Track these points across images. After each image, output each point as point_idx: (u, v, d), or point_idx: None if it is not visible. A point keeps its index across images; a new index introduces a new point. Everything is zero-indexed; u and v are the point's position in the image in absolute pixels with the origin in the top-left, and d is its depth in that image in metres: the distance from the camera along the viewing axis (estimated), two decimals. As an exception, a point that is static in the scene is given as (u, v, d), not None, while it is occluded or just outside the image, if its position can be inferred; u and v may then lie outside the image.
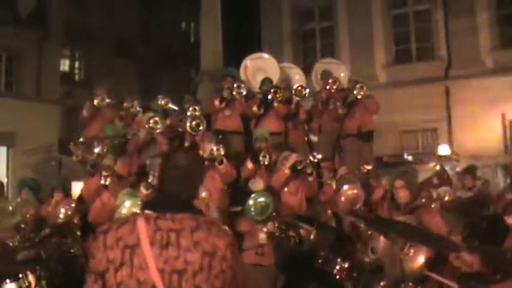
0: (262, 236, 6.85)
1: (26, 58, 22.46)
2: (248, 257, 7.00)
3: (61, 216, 7.66)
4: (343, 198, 7.24)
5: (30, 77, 22.57)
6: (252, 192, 7.31)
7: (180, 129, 9.65)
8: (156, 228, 2.82)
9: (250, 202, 7.02)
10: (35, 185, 8.99)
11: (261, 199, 7.01)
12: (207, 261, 2.80)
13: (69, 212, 7.72)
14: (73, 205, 8.04)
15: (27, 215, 7.75)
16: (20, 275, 5.60)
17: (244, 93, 10.16)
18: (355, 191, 7.22)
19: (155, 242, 2.80)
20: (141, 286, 2.76)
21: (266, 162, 8.47)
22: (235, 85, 10.08)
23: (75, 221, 7.57)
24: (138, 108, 10.60)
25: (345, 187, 7.32)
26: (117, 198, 8.11)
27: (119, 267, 2.79)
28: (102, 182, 8.40)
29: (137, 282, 2.76)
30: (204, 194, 7.12)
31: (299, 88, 10.30)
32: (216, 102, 10.03)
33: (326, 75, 11.04)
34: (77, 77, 27.31)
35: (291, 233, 6.75)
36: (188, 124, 9.11)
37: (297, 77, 12.00)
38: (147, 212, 2.92)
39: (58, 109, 22.76)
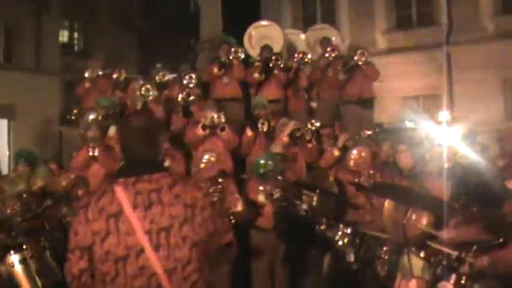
0: (260, 196, 6.88)
1: (24, 29, 22.30)
2: (259, 220, 7.09)
3: (61, 187, 7.69)
4: (352, 159, 7.22)
5: (29, 49, 22.46)
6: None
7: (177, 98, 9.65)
8: (135, 192, 2.88)
9: (261, 160, 7.09)
10: (31, 157, 8.94)
11: (270, 161, 7.03)
12: (190, 212, 2.89)
13: (68, 183, 7.75)
14: (72, 177, 8.05)
15: (34, 187, 7.75)
16: (24, 246, 5.62)
17: (242, 57, 10.10)
18: (363, 154, 7.19)
19: (138, 206, 2.86)
20: (130, 251, 2.82)
21: (265, 129, 8.46)
22: (232, 49, 10.01)
23: (79, 192, 7.57)
24: (126, 75, 10.52)
25: (354, 151, 7.29)
26: (107, 168, 8.13)
27: (105, 237, 2.84)
28: (91, 153, 8.36)
29: (125, 248, 2.82)
30: (212, 158, 7.15)
31: (301, 55, 10.25)
32: (215, 70, 10.01)
33: (325, 42, 10.98)
34: (76, 48, 27.14)
35: (294, 200, 6.77)
36: (180, 95, 9.11)
37: (301, 43, 11.93)
38: (122, 179, 2.95)
39: (58, 80, 22.71)
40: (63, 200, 7.07)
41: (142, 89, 9.34)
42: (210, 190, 6.50)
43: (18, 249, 5.54)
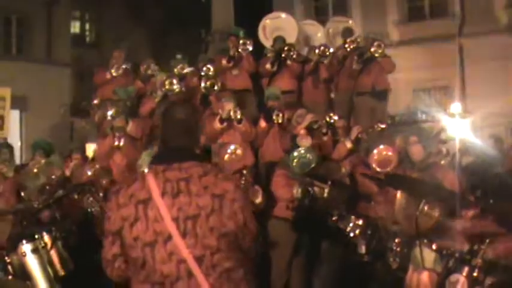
0: (297, 191, 6.82)
1: (36, 21, 22.33)
2: (278, 210, 7.08)
3: (86, 177, 7.75)
4: (375, 158, 6.88)
5: (40, 40, 22.49)
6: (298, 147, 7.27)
7: (196, 89, 9.66)
8: (165, 179, 2.90)
9: (296, 153, 7.00)
10: (48, 147, 9.02)
11: (308, 155, 6.98)
12: (217, 203, 2.89)
13: (94, 173, 7.81)
14: (97, 166, 8.11)
15: (53, 177, 7.81)
16: (36, 236, 5.65)
17: (250, 49, 10.08)
18: (389, 153, 6.89)
19: (166, 193, 2.88)
20: (158, 237, 2.84)
21: (280, 121, 8.43)
22: (240, 42, 10.00)
23: (104, 182, 7.62)
24: (154, 70, 10.55)
25: (381, 146, 6.95)
26: (129, 158, 8.19)
27: (133, 223, 2.86)
28: (116, 143, 8.43)
29: (153, 234, 2.84)
30: (238, 151, 7.13)
31: (322, 48, 10.18)
32: (224, 62, 9.98)
33: (348, 32, 10.79)
34: (87, 39, 27.21)
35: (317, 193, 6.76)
36: (203, 84, 9.13)
37: (319, 34, 11.87)
38: (154, 166, 2.99)
39: (69, 72, 22.77)
40: (76, 190, 7.10)
41: (167, 82, 9.38)
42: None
43: (30, 239, 5.56)
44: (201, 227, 2.84)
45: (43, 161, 8.48)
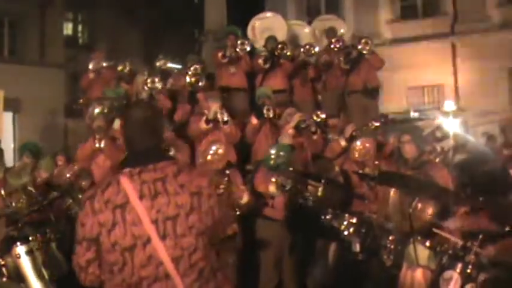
0: (272, 188, 6.84)
1: (28, 23, 22.28)
2: (265, 210, 7.03)
3: (65, 179, 7.69)
4: (357, 150, 7.24)
5: (33, 42, 22.45)
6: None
7: (183, 88, 9.63)
8: (141, 182, 2.90)
9: (272, 151, 7.01)
10: (35, 149, 8.92)
11: (282, 153, 7.00)
12: (196, 200, 2.92)
13: (72, 175, 7.75)
14: (75, 168, 8.05)
15: (39, 179, 7.76)
16: (31, 238, 5.62)
17: (248, 49, 10.09)
18: (367, 145, 7.21)
19: (144, 195, 2.87)
20: (137, 241, 2.83)
21: (271, 115, 8.44)
22: (238, 42, 10.01)
23: (83, 184, 7.57)
24: (131, 67, 10.52)
25: (358, 142, 7.31)
26: (112, 160, 8.12)
27: (111, 228, 2.85)
28: (97, 145, 8.35)
29: (132, 238, 2.83)
30: (220, 150, 7.12)
31: (307, 47, 10.22)
32: (219, 55, 9.96)
33: (331, 32, 10.94)
34: (80, 41, 27.14)
35: (302, 190, 6.77)
36: (188, 80, 9.09)
37: (306, 33, 11.90)
38: (128, 169, 2.97)
39: (62, 73, 22.71)
40: (69, 191, 7.08)
41: (149, 81, 9.32)
42: (219, 182, 6.48)
43: (24, 240, 5.53)
44: (180, 226, 2.85)
45: (28, 161, 8.42)
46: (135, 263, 2.82)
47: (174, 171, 2.95)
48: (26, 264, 5.45)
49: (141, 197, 2.86)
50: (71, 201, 7.03)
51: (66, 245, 6.12)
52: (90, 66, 10.59)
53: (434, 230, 4.33)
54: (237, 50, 9.90)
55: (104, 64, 10.65)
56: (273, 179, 6.81)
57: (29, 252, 5.48)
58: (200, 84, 9.03)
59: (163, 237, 2.82)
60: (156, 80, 9.35)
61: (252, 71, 10.29)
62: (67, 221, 6.56)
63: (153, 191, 2.87)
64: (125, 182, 2.90)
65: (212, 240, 3.00)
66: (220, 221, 3.06)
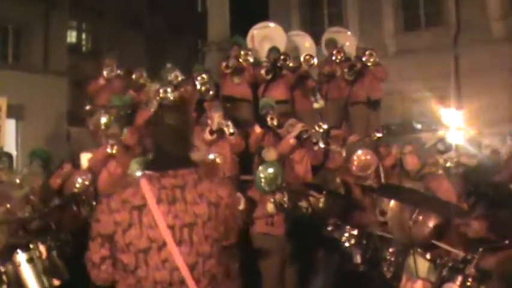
0: (270, 206, 6.85)
1: (32, 30, 22.33)
2: (258, 227, 7.04)
3: (77, 186, 7.68)
4: (355, 163, 7.22)
5: (37, 49, 22.48)
6: (265, 162, 7.25)
7: (190, 98, 9.66)
8: (160, 187, 2.92)
9: (261, 174, 6.94)
10: (45, 156, 8.99)
11: (271, 170, 6.93)
12: (213, 211, 2.94)
13: (86, 182, 7.74)
14: (89, 175, 8.05)
15: (35, 186, 7.77)
16: (31, 246, 5.63)
17: (252, 60, 10.10)
18: (368, 157, 7.18)
19: (162, 200, 2.89)
20: (152, 244, 2.85)
21: (275, 123, 8.46)
22: (242, 52, 10.03)
23: (92, 190, 7.59)
24: (146, 79, 10.55)
25: (359, 152, 7.27)
26: (124, 167, 8.15)
27: (127, 228, 2.86)
28: (109, 150, 8.39)
29: (148, 241, 2.85)
30: (218, 159, 7.13)
31: (307, 57, 10.25)
32: (223, 64, 9.99)
33: (331, 43, 10.97)
34: (84, 49, 27.24)
35: (301, 203, 6.77)
36: (198, 87, 9.13)
37: (307, 45, 11.90)
38: (148, 172, 3.00)
39: (66, 81, 22.72)
40: (71, 199, 7.08)
41: (161, 91, 9.33)
42: None
43: (25, 248, 5.54)
44: (197, 234, 2.87)
45: (25, 171, 8.44)
46: (149, 265, 2.84)
47: (195, 179, 2.98)
48: (26, 272, 5.47)
49: (159, 201, 2.88)
50: (88, 208, 7.03)
51: (67, 254, 6.15)
52: (104, 73, 10.57)
53: (434, 242, 4.34)
54: (240, 60, 9.93)
55: (118, 72, 10.66)
56: (271, 200, 6.81)
57: (30, 260, 5.51)
58: (211, 93, 9.09)
59: (179, 243, 2.85)
60: (169, 90, 9.38)
61: (255, 82, 10.32)
62: (71, 228, 6.56)
63: (170, 197, 2.90)
64: (145, 184, 2.92)
65: (224, 247, 3.04)
66: (232, 229, 3.10)
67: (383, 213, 6.86)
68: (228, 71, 9.93)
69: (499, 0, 18.67)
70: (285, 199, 6.67)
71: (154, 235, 2.84)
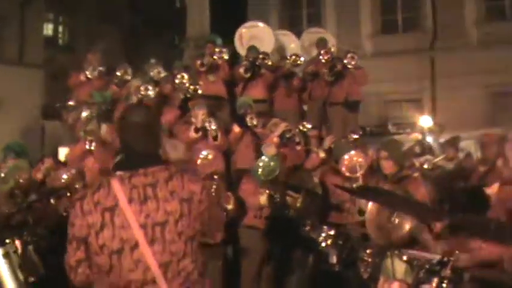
0: (263, 198, 6.89)
1: (8, 22, 22.04)
2: (246, 219, 7.09)
3: (62, 181, 7.64)
4: (345, 163, 7.14)
5: (13, 41, 22.19)
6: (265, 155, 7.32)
7: (169, 95, 9.64)
8: (131, 186, 2.91)
9: (260, 164, 7.05)
10: (20, 149, 8.90)
11: (271, 162, 7.04)
12: (186, 207, 2.92)
13: (69, 178, 7.71)
14: (73, 171, 8.01)
15: (21, 180, 7.71)
16: (7, 240, 5.59)
17: (226, 57, 10.10)
18: (360, 159, 7.12)
19: (133, 199, 2.89)
20: (124, 244, 2.84)
21: (255, 123, 8.49)
22: (216, 49, 10.02)
23: (77, 185, 7.54)
24: (130, 75, 10.48)
25: (352, 152, 7.21)
26: (102, 163, 8.13)
27: (99, 230, 2.86)
28: (87, 147, 8.36)
29: (120, 241, 2.84)
30: (210, 156, 7.16)
31: (294, 57, 10.27)
32: (197, 63, 9.98)
33: (322, 43, 10.86)
34: (60, 42, 26.99)
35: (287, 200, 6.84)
36: (186, 87, 9.14)
37: (292, 45, 11.95)
38: (119, 172, 2.99)
39: (41, 73, 22.45)
40: (52, 194, 7.05)
41: (142, 88, 9.30)
42: (209, 184, 6.50)
43: (1, 243, 5.50)
44: (169, 232, 2.87)
45: (11, 164, 8.37)
46: (123, 266, 2.83)
47: (166, 176, 2.96)
48: (2, 267, 5.43)
49: (130, 201, 2.87)
50: (67, 203, 6.99)
51: (43, 248, 6.13)
52: (87, 73, 10.46)
53: (408, 252, 4.38)
54: (215, 57, 9.92)
55: (100, 69, 10.57)
56: (267, 191, 6.85)
57: (5, 255, 5.47)
58: (200, 92, 9.09)
59: (151, 242, 2.84)
60: (150, 87, 9.34)
61: (232, 80, 10.31)
62: (48, 223, 6.53)
63: (142, 196, 2.89)
64: (116, 185, 2.91)
65: (201, 244, 3.02)
66: (209, 225, 3.07)
67: (361, 212, 6.97)
68: (203, 69, 9.92)
69: (475, 6, 18.92)
70: (277, 195, 6.73)
71: (126, 235, 2.84)
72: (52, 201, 7.00)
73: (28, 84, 21.04)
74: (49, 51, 23.70)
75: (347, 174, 6.98)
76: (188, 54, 12.75)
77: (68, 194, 7.07)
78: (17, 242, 5.70)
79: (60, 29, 27.14)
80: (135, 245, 2.84)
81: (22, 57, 22.30)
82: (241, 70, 9.92)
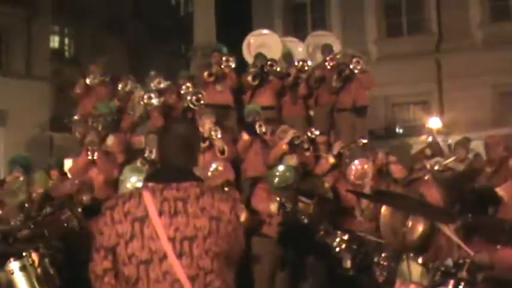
0: (274, 206, 6.92)
1: (15, 35, 22.23)
2: (260, 227, 7.15)
3: (66, 191, 7.68)
4: (353, 172, 7.29)
5: (19, 54, 22.38)
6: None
7: (174, 105, 9.68)
8: (162, 199, 2.90)
9: (277, 172, 7.12)
10: (25, 162, 8.92)
11: (288, 173, 7.11)
12: (214, 225, 2.90)
13: (74, 188, 7.75)
14: (76, 182, 8.04)
15: (34, 194, 7.75)
16: (24, 254, 5.63)
17: (233, 66, 10.15)
18: (365, 166, 7.27)
19: (163, 212, 2.87)
20: (153, 255, 2.83)
21: (264, 130, 8.52)
22: (223, 58, 10.06)
23: (83, 197, 7.57)
24: (132, 86, 10.56)
25: (356, 162, 7.35)
26: (106, 174, 8.17)
27: (129, 240, 2.85)
28: (90, 158, 8.38)
29: (149, 252, 2.84)
30: (220, 168, 7.19)
31: (301, 63, 10.28)
32: (205, 75, 10.02)
33: (327, 49, 10.86)
34: (66, 54, 27.12)
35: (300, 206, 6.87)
36: (189, 98, 9.16)
37: (299, 50, 11.97)
38: (151, 184, 2.98)
39: (48, 86, 22.63)
40: (63, 206, 7.07)
41: (145, 97, 9.36)
42: None
43: (17, 256, 5.54)
44: (197, 248, 2.85)
45: (22, 178, 8.40)
46: (150, 277, 2.83)
47: (197, 193, 2.95)
48: (19, 280, 5.47)
49: (161, 213, 2.87)
50: (68, 213, 7.02)
51: (59, 261, 6.16)
52: (87, 80, 10.58)
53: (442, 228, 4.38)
54: (222, 66, 9.96)
55: (100, 78, 10.66)
56: (277, 198, 6.89)
57: (23, 268, 5.50)
58: (202, 102, 9.12)
59: (179, 255, 2.84)
60: (153, 96, 9.39)
61: (239, 88, 10.34)
62: (64, 235, 6.56)
63: (172, 210, 2.89)
64: (147, 196, 2.90)
65: (229, 261, 3.01)
66: (236, 244, 3.06)
67: (363, 212, 7.04)
68: (211, 79, 9.97)
69: (479, 7, 18.93)
70: (289, 204, 6.76)
71: (155, 247, 2.84)
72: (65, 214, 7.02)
73: (35, 97, 21.19)
74: (55, 64, 23.83)
75: (357, 182, 7.07)
76: (195, 63, 12.78)
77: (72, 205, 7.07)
78: (34, 255, 5.74)
79: (66, 41, 27.27)
80: (164, 257, 2.83)
81: (29, 70, 22.46)
82: (249, 78, 9.96)
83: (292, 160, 7.67)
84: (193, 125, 3.40)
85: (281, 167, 7.26)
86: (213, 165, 7.21)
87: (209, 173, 7.13)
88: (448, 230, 4.23)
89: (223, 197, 3.06)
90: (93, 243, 2.98)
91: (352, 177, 7.22)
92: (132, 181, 6.98)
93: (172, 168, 3.04)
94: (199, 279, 2.86)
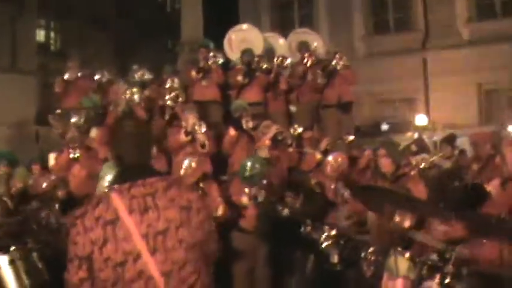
0: (244, 199, 6.97)
1: (0, 29, 22.06)
2: (235, 221, 7.13)
3: (42, 189, 7.67)
4: (328, 167, 7.57)
5: (5, 48, 22.19)
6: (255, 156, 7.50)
7: (159, 101, 9.65)
8: (130, 197, 2.89)
9: (248, 163, 7.17)
10: (11, 157, 8.90)
11: (256, 164, 7.15)
12: (185, 215, 2.92)
13: (49, 185, 7.72)
14: (53, 178, 8.02)
15: (14, 188, 7.72)
16: (12, 248, 5.63)
17: (221, 62, 10.16)
18: (339, 159, 7.52)
19: (133, 210, 2.87)
20: (127, 256, 2.82)
21: (250, 126, 8.55)
22: (210, 54, 10.06)
23: (59, 193, 7.55)
24: (109, 77, 10.53)
25: (330, 157, 7.63)
26: (88, 169, 8.14)
27: (103, 245, 2.83)
28: (72, 155, 8.36)
29: (123, 254, 2.82)
30: (193, 164, 7.18)
31: (280, 58, 10.31)
32: (193, 73, 10.00)
33: (303, 46, 10.95)
34: (52, 48, 27.01)
35: (276, 203, 6.90)
36: (167, 96, 9.14)
37: (280, 44, 11.97)
38: (117, 186, 2.97)
39: (34, 80, 22.47)
40: (48, 202, 7.07)
41: (128, 92, 9.34)
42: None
43: (5, 250, 5.55)
44: (170, 239, 2.86)
45: (3, 170, 8.39)
46: (125, 278, 2.82)
47: (164, 186, 2.96)
48: (7, 274, 5.48)
49: (131, 212, 2.86)
50: (47, 210, 7.01)
51: (47, 255, 6.15)
52: (66, 77, 10.56)
53: (413, 237, 4.46)
54: (209, 62, 9.96)
55: (79, 74, 10.64)
56: (246, 190, 6.94)
57: (11, 262, 5.52)
58: (180, 99, 9.09)
59: (153, 251, 2.83)
60: (135, 90, 9.37)
61: (225, 83, 10.35)
62: (47, 230, 6.55)
63: (142, 206, 2.88)
64: (115, 198, 2.89)
65: (204, 254, 3.02)
66: (210, 235, 3.06)
67: (349, 217, 7.10)
68: (200, 75, 9.95)
69: (465, 5, 19.03)
70: (261, 193, 6.79)
71: (129, 247, 2.82)
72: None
73: (21, 91, 21.04)
74: (41, 58, 23.71)
75: (331, 174, 7.48)
76: (182, 59, 12.76)
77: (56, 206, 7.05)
78: (22, 249, 5.75)
79: (52, 35, 27.16)
80: (138, 256, 2.83)
81: (15, 64, 22.30)
82: (240, 78, 9.97)
83: (263, 152, 7.73)
84: (142, 121, 3.38)
85: (251, 159, 7.32)
86: (186, 162, 7.16)
87: (182, 171, 7.09)
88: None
89: (190, 187, 3.17)
90: (67, 253, 2.92)
91: (328, 169, 7.57)
92: (109, 179, 6.94)
93: (135, 167, 3.04)
94: (173, 275, 2.86)
